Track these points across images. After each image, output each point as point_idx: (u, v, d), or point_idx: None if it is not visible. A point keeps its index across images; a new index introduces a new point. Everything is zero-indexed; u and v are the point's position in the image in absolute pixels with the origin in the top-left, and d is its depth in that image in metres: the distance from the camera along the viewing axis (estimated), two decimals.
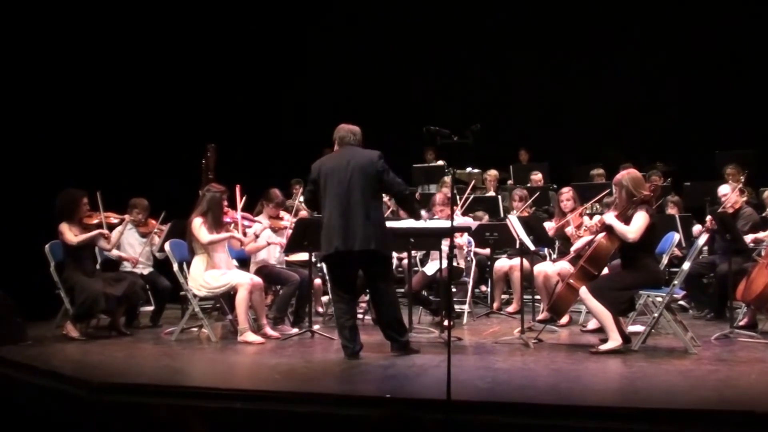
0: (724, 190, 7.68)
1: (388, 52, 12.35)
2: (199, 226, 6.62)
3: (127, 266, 7.59)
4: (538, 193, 9.02)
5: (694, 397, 4.60)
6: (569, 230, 7.44)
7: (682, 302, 8.06)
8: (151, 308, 7.85)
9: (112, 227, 7.28)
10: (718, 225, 6.87)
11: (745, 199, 8.08)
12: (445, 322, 6.26)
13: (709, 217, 7.27)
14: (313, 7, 12.45)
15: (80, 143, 9.07)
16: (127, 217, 7.44)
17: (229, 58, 11.54)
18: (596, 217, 7.20)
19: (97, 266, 7.42)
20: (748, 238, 7.04)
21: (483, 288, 9.05)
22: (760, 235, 7.17)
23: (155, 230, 7.67)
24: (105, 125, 9.60)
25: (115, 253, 7.36)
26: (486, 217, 8.87)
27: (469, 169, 11.33)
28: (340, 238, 5.64)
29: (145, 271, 7.65)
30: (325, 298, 8.18)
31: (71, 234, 6.87)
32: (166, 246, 6.97)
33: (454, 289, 7.94)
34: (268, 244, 7.22)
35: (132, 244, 7.68)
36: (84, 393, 4.90)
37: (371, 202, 5.70)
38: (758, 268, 6.53)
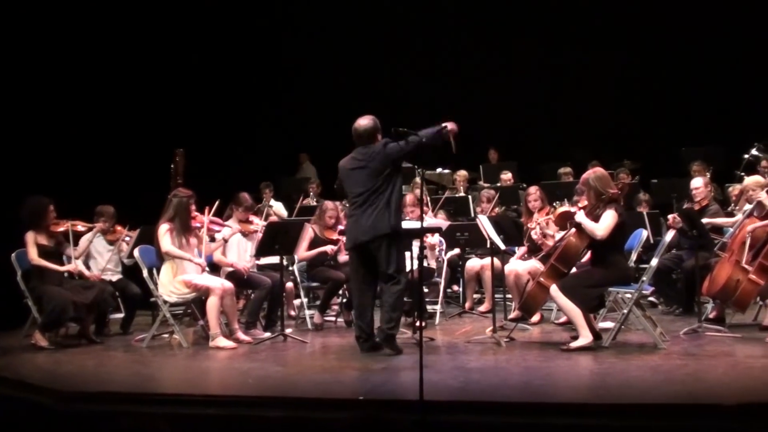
0: (696, 183, 7.77)
1: (356, 54, 12.36)
2: (163, 233, 6.57)
3: (95, 273, 7.50)
4: (497, 196, 8.99)
5: (664, 391, 4.65)
6: (534, 235, 7.50)
7: (651, 298, 8.15)
8: (121, 315, 7.75)
9: (79, 235, 7.20)
10: (684, 221, 6.96)
11: (712, 194, 8.20)
12: (418, 323, 6.27)
13: (671, 216, 7.36)
14: (284, 10, 12.42)
15: (45, 149, 8.96)
16: (98, 225, 7.35)
17: (197, 62, 11.47)
18: (543, 218, 7.30)
19: (65, 274, 7.32)
20: (704, 220, 7.10)
21: (455, 288, 9.09)
22: (717, 220, 7.27)
23: (123, 237, 7.59)
24: (70, 131, 9.49)
25: (81, 266, 7.18)
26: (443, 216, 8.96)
27: (439, 170, 11.37)
28: (352, 234, 6.01)
29: (114, 278, 7.57)
30: (297, 302, 8.16)
31: (34, 250, 6.78)
32: (135, 252, 6.91)
33: (426, 290, 7.97)
34: (233, 266, 7.11)
35: (100, 252, 7.59)
36: (54, 402, 4.84)
37: (378, 193, 5.88)
38: (720, 263, 6.63)
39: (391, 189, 5.94)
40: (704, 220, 7.06)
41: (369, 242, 5.91)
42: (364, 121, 6.06)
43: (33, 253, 6.78)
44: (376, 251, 5.93)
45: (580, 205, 6.36)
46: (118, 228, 7.64)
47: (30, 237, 6.81)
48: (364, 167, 5.95)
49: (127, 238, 7.61)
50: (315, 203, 10.27)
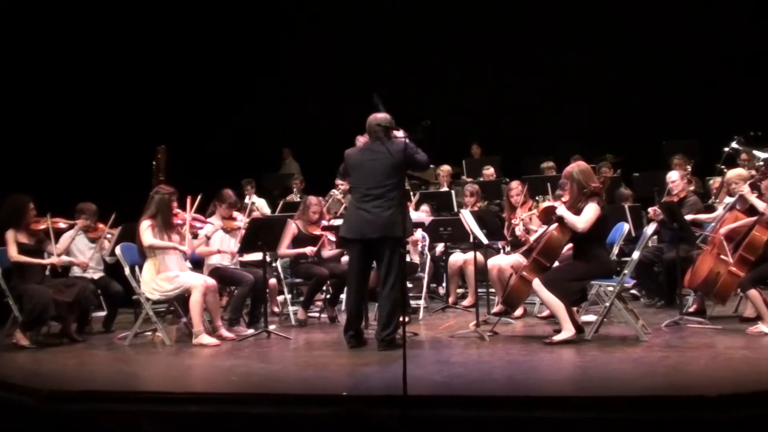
0: (673, 176, 7.81)
1: (340, 49, 12.34)
2: (145, 228, 6.54)
3: (77, 271, 7.45)
4: (477, 194, 8.93)
5: (646, 383, 4.69)
6: (518, 231, 7.52)
7: (633, 291, 8.20)
8: (103, 313, 7.71)
9: (60, 233, 7.14)
10: (666, 214, 7.00)
11: (692, 188, 8.25)
12: (401, 318, 6.27)
13: (652, 209, 7.39)
14: (266, 5, 12.37)
15: (24, 147, 8.89)
16: (80, 222, 7.29)
17: (179, 58, 11.41)
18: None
19: (47, 272, 7.26)
20: (688, 218, 7.15)
21: (440, 291, 9.07)
22: (700, 216, 7.32)
23: (105, 235, 7.54)
24: (50, 128, 9.42)
25: (65, 258, 7.18)
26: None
27: None
28: (365, 227, 5.88)
29: (96, 276, 7.52)
30: (280, 298, 8.15)
31: (14, 248, 6.72)
32: (117, 250, 6.86)
33: (409, 285, 7.97)
34: (219, 251, 7.14)
35: (81, 250, 7.53)
36: (35, 402, 4.79)
37: (394, 192, 5.86)
38: (703, 255, 6.67)
39: (402, 191, 5.98)
40: (688, 217, 7.10)
41: (380, 240, 5.86)
42: (382, 116, 6.05)
43: (13, 251, 6.72)
44: (381, 251, 5.91)
45: (563, 199, 6.39)
46: (100, 226, 7.59)
47: (10, 235, 6.75)
48: (382, 160, 5.88)
49: (109, 236, 7.55)
50: (298, 199, 10.24)
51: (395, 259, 5.89)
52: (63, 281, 7.04)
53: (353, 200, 6.09)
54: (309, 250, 7.53)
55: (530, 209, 7.75)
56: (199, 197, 7.11)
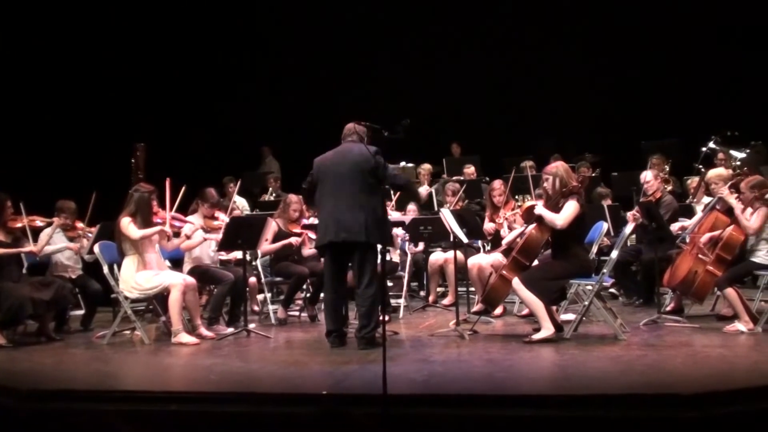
0: (647, 176, 7.85)
1: (317, 48, 12.33)
2: (127, 224, 6.49)
3: (63, 259, 7.37)
4: (464, 187, 9.01)
5: (624, 382, 4.72)
6: (503, 233, 7.53)
7: (612, 290, 8.25)
8: (81, 312, 7.65)
9: (37, 231, 7.07)
10: (644, 214, 7.05)
11: (669, 188, 8.30)
12: (381, 317, 6.27)
13: (630, 213, 7.41)
14: (247, 3, 12.34)
15: (2, 143, 8.80)
16: (56, 220, 7.23)
17: (159, 56, 11.35)
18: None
19: (24, 270, 7.20)
20: (675, 226, 7.23)
21: (421, 294, 9.06)
22: (685, 223, 7.39)
23: (85, 234, 7.47)
24: (28, 126, 9.34)
25: (49, 249, 7.08)
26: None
27: (402, 164, 11.39)
28: (332, 229, 5.88)
29: (74, 275, 7.47)
30: (260, 297, 8.12)
31: None
32: (96, 248, 6.81)
33: (389, 284, 7.98)
34: (204, 239, 7.12)
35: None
36: (12, 402, 4.76)
37: (365, 195, 5.88)
38: (682, 255, 6.73)
39: (380, 196, 5.98)
40: (674, 225, 7.16)
41: (349, 243, 5.86)
42: (361, 126, 6.10)
43: None
44: (352, 254, 5.93)
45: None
46: (79, 225, 7.53)
47: None
48: (354, 164, 5.90)
49: (89, 235, 7.49)
50: (273, 198, 10.19)
51: (368, 260, 5.90)
52: (40, 280, 6.96)
53: (325, 203, 6.05)
54: (295, 239, 7.51)
55: (513, 209, 7.79)
56: (182, 189, 7.08)
